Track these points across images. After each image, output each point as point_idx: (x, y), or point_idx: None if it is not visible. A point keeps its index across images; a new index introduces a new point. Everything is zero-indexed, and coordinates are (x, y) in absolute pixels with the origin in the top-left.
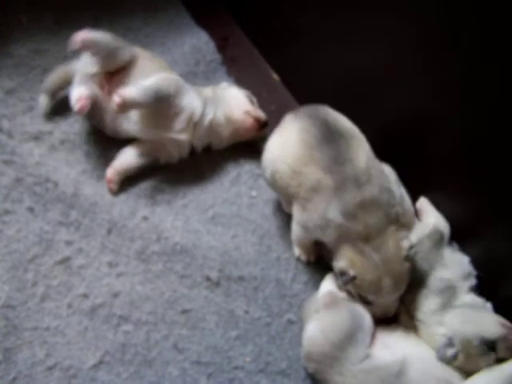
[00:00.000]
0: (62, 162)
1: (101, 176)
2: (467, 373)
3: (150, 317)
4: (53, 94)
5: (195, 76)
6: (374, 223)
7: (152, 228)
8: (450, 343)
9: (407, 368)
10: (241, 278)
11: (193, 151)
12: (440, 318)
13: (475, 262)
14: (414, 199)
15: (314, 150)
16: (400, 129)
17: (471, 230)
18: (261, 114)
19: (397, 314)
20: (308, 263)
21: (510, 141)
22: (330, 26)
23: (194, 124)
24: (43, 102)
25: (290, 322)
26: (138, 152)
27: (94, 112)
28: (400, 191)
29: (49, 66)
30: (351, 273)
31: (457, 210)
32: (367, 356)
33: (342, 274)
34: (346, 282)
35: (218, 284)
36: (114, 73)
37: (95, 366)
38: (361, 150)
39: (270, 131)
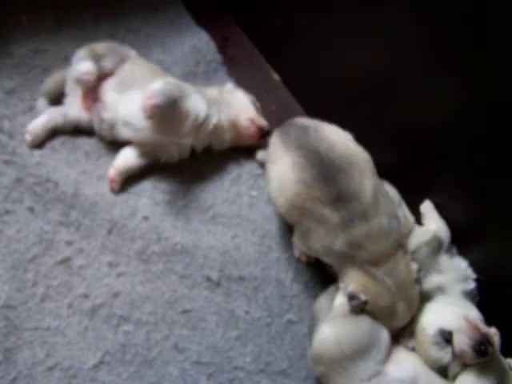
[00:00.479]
0: (63, 162)
1: (101, 176)
2: None
3: (150, 317)
4: (51, 97)
5: (195, 76)
6: (382, 250)
7: (152, 228)
8: (411, 332)
9: None
10: (241, 278)
11: (193, 151)
12: None
13: (475, 266)
14: (416, 202)
15: (313, 189)
16: (400, 129)
17: (472, 234)
18: (264, 123)
19: None
20: (308, 264)
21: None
22: (331, 26)
23: (197, 126)
24: (41, 105)
25: (291, 322)
26: (139, 152)
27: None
28: (403, 212)
29: (49, 66)
30: (363, 297)
31: (458, 214)
32: (378, 373)
33: (352, 297)
34: (357, 306)
35: (218, 284)
36: (102, 78)
37: (95, 366)
38: (365, 179)
39: (271, 133)
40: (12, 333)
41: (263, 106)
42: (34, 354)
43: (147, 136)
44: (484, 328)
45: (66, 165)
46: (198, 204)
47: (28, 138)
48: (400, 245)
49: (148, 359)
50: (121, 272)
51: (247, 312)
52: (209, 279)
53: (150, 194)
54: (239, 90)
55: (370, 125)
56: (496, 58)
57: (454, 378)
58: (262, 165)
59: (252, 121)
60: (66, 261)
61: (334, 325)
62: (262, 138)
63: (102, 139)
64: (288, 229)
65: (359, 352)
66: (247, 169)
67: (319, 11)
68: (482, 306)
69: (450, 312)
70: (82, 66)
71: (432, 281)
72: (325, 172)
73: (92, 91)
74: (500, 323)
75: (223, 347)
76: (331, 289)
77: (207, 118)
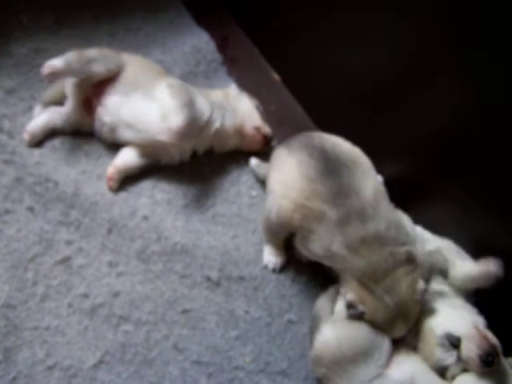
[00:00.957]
0: (62, 161)
1: (101, 176)
2: None
3: (150, 317)
4: (49, 105)
5: (196, 76)
6: (378, 261)
7: (152, 228)
8: (415, 332)
9: None
10: (241, 278)
11: (194, 153)
12: None
13: None
14: (415, 204)
15: (316, 184)
16: (400, 129)
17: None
18: (269, 131)
19: None
20: (308, 264)
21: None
22: (331, 26)
23: (199, 129)
24: (38, 112)
25: (291, 321)
26: (139, 152)
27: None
28: (417, 232)
29: None
30: (360, 308)
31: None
32: (378, 375)
33: (351, 306)
34: (355, 316)
35: (218, 284)
36: (103, 82)
37: (95, 366)
38: (367, 180)
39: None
40: (12, 332)
41: (263, 106)
42: (33, 354)
43: (149, 138)
44: (493, 338)
45: (66, 164)
46: (198, 204)
47: (26, 137)
48: (400, 261)
49: (148, 359)
50: (121, 272)
51: (247, 312)
52: (209, 279)
53: (150, 194)
54: (244, 95)
55: (370, 125)
56: (497, 60)
57: (452, 379)
58: (256, 175)
59: (258, 129)
60: (65, 260)
61: (335, 327)
62: (267, 145)
63: (102, 140)
64: None
65: (360, 355)
66: (247, 169)
67: (319, 11)
68: (481, 306)
69: (459, 316)
70: (53, 60)
71: (434, 287)
72: (329, 165)
73: (93, 95)
74: (499, 323)
75: (223, 347)
76: (331, 289)
77: (210, 121)
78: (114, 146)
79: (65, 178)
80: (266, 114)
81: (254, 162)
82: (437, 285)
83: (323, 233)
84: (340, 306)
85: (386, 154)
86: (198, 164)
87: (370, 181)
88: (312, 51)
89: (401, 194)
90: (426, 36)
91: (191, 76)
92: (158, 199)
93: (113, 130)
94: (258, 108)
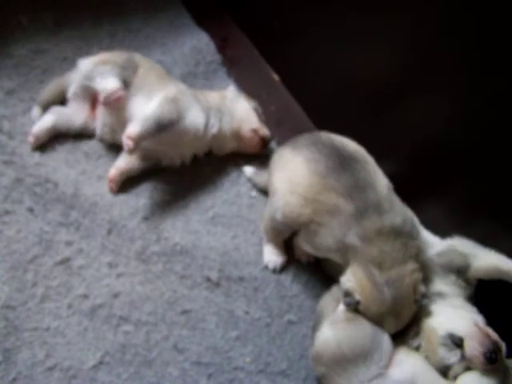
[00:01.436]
0: (62, 162)
1: (101, 176)
2: None
3: (150, 317)
4: (46, 106)
5: (195, 77)
6: (390, 251)
7: (152, 228)
8: (416, 331)
9: None
10: (241, 279)
11: (194, 155)
12: None
13: None
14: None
15: (328, 179)
16: (399, 129)
17: None
18: (267, 133)
19: None
20: (308, 264)
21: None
22: (330, 27)
23: (198, 138)
24: (36, 113)
25: (290, 322)
26: (141, 155)
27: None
28: (422, 231)
29: (49, 67)
30: (357, 297)
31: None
32: (378, 375)
33: (348, 294)
34: (349, 304)
35: (218, 284)
36: None
37: (95, 367)
38: (379, 176)
39: (271, 133)
40: (12, 333)
41: (263, 107)
42: (33, 355)
43: (148, 143)
44: (494, 335)
45: (66, 165)
46: (197, 204)
47: (31, 140)
48: (410, 255)
49: (148, 359)
50: (120, 272)
51: (247, 312)
52: (208, 279)
53: (150, 195)
54: (242, 97)
55: (369, 125)
56: (498, 61)
57: (454, 378)
58: (253, 183)
59: (255, 131)
60: (65, 261)
61: (335, 326)
62: (265, 147)
63: (102, 141)
64: None
65: (361, 355)
66: None
67: (318, 12)
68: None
69: (460, 316)
70: (109, 83)
71: (434, 288)
72: (342, 161)
73: (97, 95)
74: (499, 325)
75: (223, 347)
76: (334, 288)
77: (206, 128)
78: (114, 147)
79: (65, 178)
80: (266, 114)
81: (248, 170)
82: (437, 285)
83: (336, 225)
84: (341, 306)
85: (385, 154)
86: (198, 165)
87: (381, 177)
88: (311, 52)
89: (399, 193)
90: (425, 37)
91: (191, 76)
92: (157, 200)
93: (113, 130)
94: (256, 109)
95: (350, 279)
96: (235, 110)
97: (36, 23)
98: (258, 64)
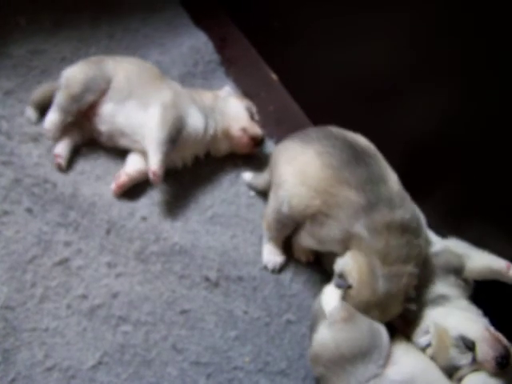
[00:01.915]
0: None
1: (99, 176)
2: None
3: (148, 317)
4: (39, 107)
5: (194, 76)
6: (396, 247)
7: (151, 228)
8: (426, 331)
9: None
10: (240, 278)
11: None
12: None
13: None
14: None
15: (341, 171)
16: (398, 129)
17: None
18: (257, 131)
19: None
20: (307, 263)
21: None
22: (329, 26)
23: (198, 140)
24: (30, 114)
25: (289, 321)
26: (146, 158)
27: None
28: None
29: (47, 67)
30: (350, 281)
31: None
32: (377, 375)
33: (341, 276)
34: (340, 286)
35: (216, 284)
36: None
37: (94, 367)
38: (389, 170)
39: (269, 132)
40: (11, 334)
41: (261, 106)
42: (32, 355)
43: (143, 148)
44: (504, 340)
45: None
46: (196, 204)
47: (61, 161)
48: (413, 252)
49: (147, 359)
50: (119, 272)
51: (246, 312)
52: (207, 279)
53: (149, 194)
54: (234, 96)
55: (368, 124)
56: (497, 59)
57: (459, 380)
58: (253, 187)
59: (244, 130)
60: (64, 261)
61: (333, 327)
62: (256, 146)
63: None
64: None
65: (359, 355)
66: (245, 169)
67: (317, 12)
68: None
69: (470, 319)
70: (48, 118)
71: (437, 290)
72: (356, 155)
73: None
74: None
75: (222, 347)
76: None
77: (206, 130)
78: (112, 147)
79: (63, 179)
80: (264, 113)
81: (247, 176)
82: (439, 288)
83: (344, 216)
84: (334, 303)
85: (383, 153)
86: (197, 165)
87: (392, 173)
88: (310, 51)
89: None
90: (424, 35)
91: (189, 76)
92: (156, 200)
93: (110, 137)
94: (249, 109)
95: (347, 262)
96: (225, 109)
97: (34, 24)
98: (256, 64)
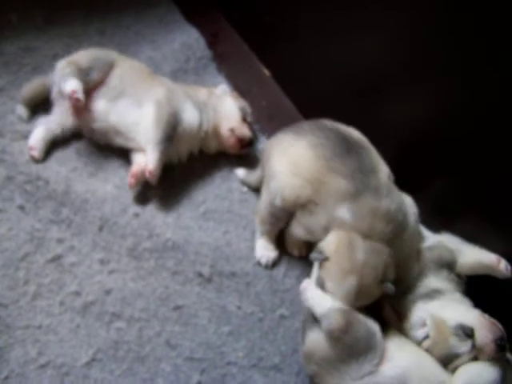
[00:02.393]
0: (53, 159)
1: (92, 173)
2: None
3: (142, 313)
4: (29, 104)
5: (186, 73)
6: (380, 233)
7: (143, 225)
8: (422, 323)
9: (407, 381)
10: (233, 274)
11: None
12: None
13: None
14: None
15: (333, 161)
16: (392, 125)
17: None
18: (245, 133)
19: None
20: (300, 258)
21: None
22: (321, 22)
23: (193, 135)
24: (21, 112)
25: (283, 316)
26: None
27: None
28: (418, 226)
29: (38, 64)
30: (326, 254)
31: None
32: (370, 372)
33: (318, 250)
34: (316, 259)
35: (210, 280)
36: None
37: (88, 364)
38: (380, 163)
39: (262, 128)
40: (4, 331)
41: (254, 102)
42: (26, 353)
43: (139, 145)
44: (500, 325)
45: (57, 162)
46: (189, 200)
47: (34, 153)
48: (395, 240)
49: (140, 356)
50: (112, 269)
51: (239, 307)
52: (200, 275)
53: (141, 191)
54: (229, 96)
55: (360, 120)
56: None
57: (453, 370)
58: (247, 184)
59: (232, 131)
60: (57, 258)
61: (330, 335)
62: (244, 148)
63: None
64: None
65: (353, 354)
66: (238, 165)
67: (309, 7)
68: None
69: (465, 309)
70: (68, 85)
71: (430, 284)
72: (348, 146)
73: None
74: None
75: (215, 343)
76: None
77: (200, 126)
78: (105, 145)
79: (55, 175)
80: (257, 109)
81: (240, 172)
82: (432, 282)
83: (331, 202)
84: (327, 305)
85: (375, 147)
86: (189, 161)
87: (383, 166)
88: (302, 46)
89: None
90: (415, 31)
91: (181, 72)
92: (148, 196)
93: (104, 135)
94: (242, 109)
95: (328, 241)
96: (218, 107)
97: (26, 21)
98: (248, 59)
